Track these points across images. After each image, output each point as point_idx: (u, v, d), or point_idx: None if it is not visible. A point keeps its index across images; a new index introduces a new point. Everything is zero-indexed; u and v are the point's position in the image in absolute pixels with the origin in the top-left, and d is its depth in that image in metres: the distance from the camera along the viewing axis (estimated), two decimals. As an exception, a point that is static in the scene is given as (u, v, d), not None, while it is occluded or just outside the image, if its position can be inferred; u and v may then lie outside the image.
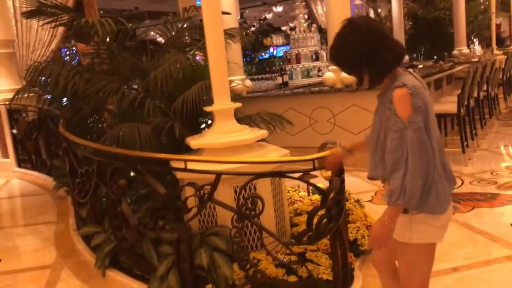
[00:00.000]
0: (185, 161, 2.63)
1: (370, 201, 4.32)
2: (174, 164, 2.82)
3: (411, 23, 12.62)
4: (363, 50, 1.73)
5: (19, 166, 6.37)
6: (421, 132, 1.70)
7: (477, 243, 3.26)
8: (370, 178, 1.94)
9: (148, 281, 2.81)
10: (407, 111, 1.69)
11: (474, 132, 5.93)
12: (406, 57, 10.55)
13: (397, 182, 1.69)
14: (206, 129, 3.57)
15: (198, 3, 7.65)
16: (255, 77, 7.34)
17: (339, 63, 1.84)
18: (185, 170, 2.62)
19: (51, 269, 3.33)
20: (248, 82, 6.53)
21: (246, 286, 2.56)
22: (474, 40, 13.00)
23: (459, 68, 7.84)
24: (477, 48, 11.79)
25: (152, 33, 6.81)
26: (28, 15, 3.93)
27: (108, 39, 3.75)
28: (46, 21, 3.92)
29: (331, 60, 1.93)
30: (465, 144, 5.34)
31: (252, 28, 10.50)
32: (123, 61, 3.86)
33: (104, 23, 3.34)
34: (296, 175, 2.65)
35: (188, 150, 3.25)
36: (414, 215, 1.80)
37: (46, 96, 4.92)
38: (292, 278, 2.54)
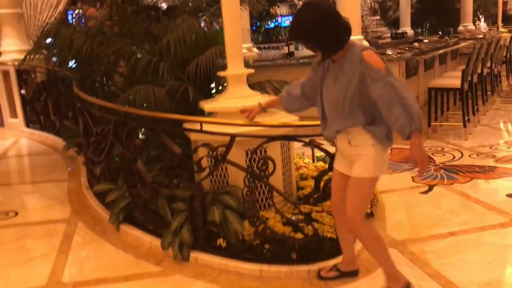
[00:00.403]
0: (201, 122, 2.75)
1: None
2: (188, 126, 2.93)
3: (417, -4, 12.54)
4: (325, 25, 2.02)
5: (28, 126, 6.48)
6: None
7: (473, 211, 3.42)
8: (337, 131, 2.20)
9: (162, 236, 2.97)
10: (382, 63, 2.04)
11: (475, 107, 6.04)
12: (411, 31, 10.53)
13: (401, 117, 1.99)
14: (217, 94, 3.69)
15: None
16: (261, 46, 7.37)
17: (304, 39, 2.10)
18: (201, 131, 2.74)
19: (66, 223, 3.49)
20: (256, 50, 6.58)
21: (255, 241, 2.72)
22: (480, 16, 12.94)
23: (464, 44, 7.88)
24: (483, 25, 11.77)
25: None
26: (43, -25, 3.96)
27: (122, 3, 3.80)
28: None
29: (296, 38, 2.19)
30: (466, 118, 5.45)
31: (259, -3, 10.41)
32: (135, 24, 3.92)
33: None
34: (306, 139, 2.78)
35: (200, 114, 3.36)
36: (377, 152, 2.14)
37: (55, 58, 5.00)
38: (299, 235, 2.70)
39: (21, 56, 5.96)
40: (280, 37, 8.25)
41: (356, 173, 2.19)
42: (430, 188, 3.92)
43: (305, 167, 3.79)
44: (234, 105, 3.00)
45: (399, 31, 10.10)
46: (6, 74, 6.44)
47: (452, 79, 5.69)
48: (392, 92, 1.99)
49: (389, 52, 5.97)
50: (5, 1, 6.19)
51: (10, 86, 6.45)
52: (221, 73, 3.18)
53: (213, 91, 3.90)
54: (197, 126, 2.79)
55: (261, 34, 8.55)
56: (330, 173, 2.82)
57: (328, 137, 2.31)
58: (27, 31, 6.86)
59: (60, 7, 7.10)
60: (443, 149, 5.04)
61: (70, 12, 10.35)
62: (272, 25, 9.57)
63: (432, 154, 4.87)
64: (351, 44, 2.11)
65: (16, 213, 3.73)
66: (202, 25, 4.07)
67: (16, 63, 6.14)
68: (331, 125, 2.23)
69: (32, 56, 4.55)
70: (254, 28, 9.21)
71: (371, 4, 10.32)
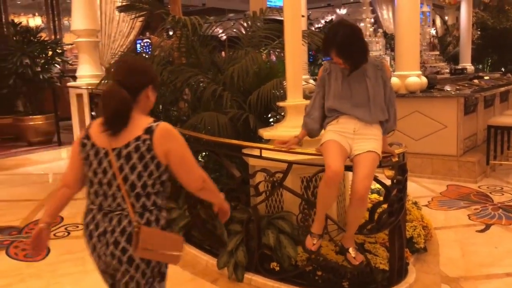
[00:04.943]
0: (261, 149, 2.91)
1: (426, 205, 4.44)
2: (247, 152, 3.10)
3: (479, 32, 12.32)
4: (359, 40, 2.50)
5: (94, 145, 6.92)
6: None
7: (533, 254, 3.33)
8: (370, 121, 2.55)
9: (217, 255, 3.12)
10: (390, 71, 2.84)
11: (538, 147, 5.86)
12: (471, 68, 10.33)
13: (394, 116, 2.63)
14: (274, 123, 3.86)
15: (268, 3, 7.94)
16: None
17: (341, 52, 2.47)
18: (260, 157, 2.90)
19: (129, 238, 3.71)
20: (312, 82, 6.75)
21: (307, 267, 2.80)
22: (546, 54, 12.46)
23: (528, 82, 7.66)
24: (549, 62, 11.33)
25: (217, 29, 7.17)
26: (123, 9, 4.36)
27: (192, 35, 4.09)
28: (138, 14, 4.33)
29: (330, 50, 2.51)
30: (527, 158, 5.30)
31: (317, 30, 10.68)
32: (202, 56, 4.21)
33: (194, 21, 3.69)
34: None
35: (258, 140, 3.53)
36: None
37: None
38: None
39: (95, 81, 6.46)
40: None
41: (375, 149, 2.50)
42: (487, 227, 3.84)
43: (358, 198, 3.84)
44: (291, 133, 3.12)
45: (459, 67, 9.94)
46: (80, 97, 6.96)
47: (513, 117, 5.57)
48: (393, 94, 2.63)
49: (448, 88, 5.93)
50: (85, 31, 6.75)
51: (82, 108, 6.95)
52: (281, 104, 3.36)
53: (271, 119, 4.08)
54: (257, 152, 2.95)
55: (318, 66, 8.74)
56: (385, 205, 2.89)
57: (367, 120, 2.55)
58: (101, 58, 7.42)
59: (131, 37, 7.64)
60: (502, 188, 4.91)
61: (138, 41, 11.04)
62: (328, 57, 9.77)
63: (490, 193, 4.76)
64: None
65: (84, 225, 4.01)
66: (263, 57, 4.29)
67: (90, 87, 6.65)
68: (374, 113, 2.55)
69: (106, 81, 4.95)
70: (311, 59, 9.43)
71: (430, 39, 10.25)
